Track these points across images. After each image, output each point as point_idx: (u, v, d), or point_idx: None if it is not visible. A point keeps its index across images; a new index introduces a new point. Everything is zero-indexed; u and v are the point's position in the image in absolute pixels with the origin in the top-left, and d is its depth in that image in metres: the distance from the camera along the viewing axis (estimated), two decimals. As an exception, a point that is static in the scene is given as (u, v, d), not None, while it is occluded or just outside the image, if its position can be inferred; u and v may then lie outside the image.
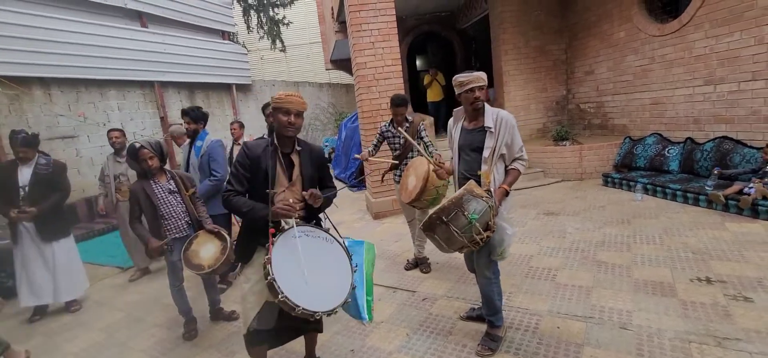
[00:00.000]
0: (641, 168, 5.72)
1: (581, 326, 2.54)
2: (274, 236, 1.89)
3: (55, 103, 7.37)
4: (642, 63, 6.12)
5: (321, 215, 2.32)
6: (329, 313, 1.82)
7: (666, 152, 5.47)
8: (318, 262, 1.94)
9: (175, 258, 2.99)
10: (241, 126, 4.94)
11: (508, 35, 7.61)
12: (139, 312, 3.74)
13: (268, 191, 2.00)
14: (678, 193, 4.68)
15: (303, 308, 1.73)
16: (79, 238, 6.65)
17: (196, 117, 3.79)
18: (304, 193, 2.08)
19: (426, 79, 9.70)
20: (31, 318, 3.80)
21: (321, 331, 2.41)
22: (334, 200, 2.31)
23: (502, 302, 2.48)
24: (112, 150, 4.63)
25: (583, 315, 2.65)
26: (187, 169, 3.81)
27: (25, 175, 3.63)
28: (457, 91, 2.36)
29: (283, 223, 2.00)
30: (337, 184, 9.84)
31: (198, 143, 3.80)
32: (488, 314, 2.47)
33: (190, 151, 3.87)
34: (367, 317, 2.08)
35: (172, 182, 3.01)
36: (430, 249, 4.05)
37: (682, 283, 2.88)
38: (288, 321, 2.13)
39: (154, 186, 2.94)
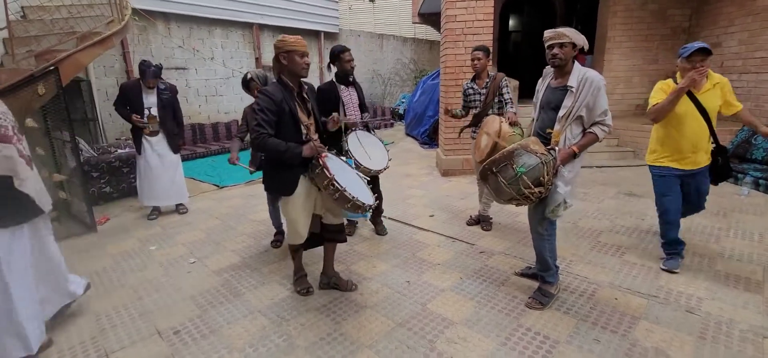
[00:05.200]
0: (757, 161, 4.97)
1: (642, 302, 2.46)
2: (312, 162, 2.35)
3: (173, 37, 8.41)
4: (785, 38, 5.15)
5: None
6: (373, 206, 2.37)
7: (794, 146, 4.68)
8: (349, 174, 2.55)
9: None
10: None
11: (622, -5, 6.81)
12: (231, 222, 4.37)
13: (307, 123, 2.44)
14: (798, 193, 4.05)
15: (368, 204, 2.28)
16: (184, 158, 7.76)
17: None
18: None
19: None
20: (150, 216, 4.58)
21: (345, 241, 2.80)
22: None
23: (554, 261, 2.49)
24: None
25: (646, 293, 2.56)
26: None
27: (150, 99, 4.24)
28: None
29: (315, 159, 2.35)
30: (408, 140, 9.94)
31: None
32: (540, 270, 2.52)
33: None
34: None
35: None
36: (495, 210, 4.09)
37: (774, 283, 2.60)
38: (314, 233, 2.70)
39: None
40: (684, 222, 3.65)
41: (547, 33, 2.29)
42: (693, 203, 2.91)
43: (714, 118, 2.64)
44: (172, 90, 4.47)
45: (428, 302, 2.59)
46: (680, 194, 2.79)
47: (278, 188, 2.48)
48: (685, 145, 2.66)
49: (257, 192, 5.50)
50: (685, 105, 2.60)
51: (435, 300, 2.61)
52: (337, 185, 2.20)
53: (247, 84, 3.42)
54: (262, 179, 2.82)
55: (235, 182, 6.08)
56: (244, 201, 5.14)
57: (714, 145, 2.74)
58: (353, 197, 2.21)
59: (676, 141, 2.69)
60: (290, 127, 2.33)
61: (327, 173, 2.22)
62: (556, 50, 2.24)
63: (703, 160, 2.73)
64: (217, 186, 5.97)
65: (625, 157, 6.26)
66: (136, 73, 7.52)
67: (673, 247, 2.88)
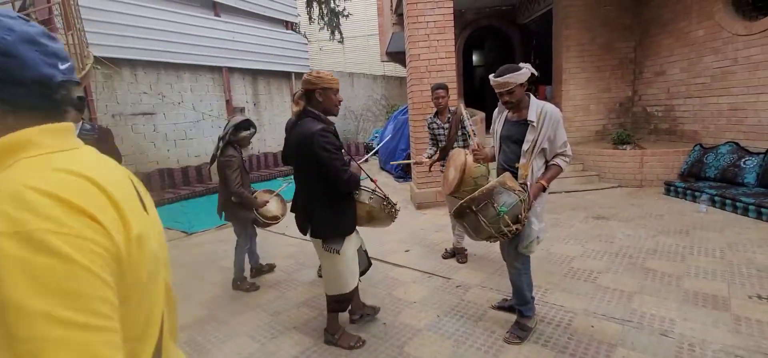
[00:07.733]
0: (710, 179, 5.26)
1: (617, 328, 2.47)
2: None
3: (139, 83, 8.27)
4: (722, 65, 5.59)
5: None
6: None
7: (742, 163, 4.97)
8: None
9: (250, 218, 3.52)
10: None
11: (572, 31, 7.27)
12: (200, 270, 4.17)
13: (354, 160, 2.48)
14: (751, 207, 4.27)
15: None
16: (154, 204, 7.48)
17: None
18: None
19: None
20: None
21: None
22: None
23: (532, 293, 2.48)
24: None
25: (621, 318, 2.57)
26: None
27: None
28: None
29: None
30: (383, 175, 9.96)
31: None
32: (518, 304, 2.49)
33: None
34: None
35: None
36: (469, 241, 4.08)
37: (738, 299, 2.68)
38: None
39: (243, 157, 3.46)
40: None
41: (493, 82, 2.29)
42: None
43: None
44: (102, 132, 3.84)
45: (405, 345, 2.50)
46: None
47: (347, 227, 2.31)
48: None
49: (229, 237, 5.30)
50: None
51: (412, 342, 2.53)
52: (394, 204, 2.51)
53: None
54: (310, 233, 2.31)
55: (205, 227, 5.86)
56: (215, 247, 4.94)
57: None
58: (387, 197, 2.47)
59: None
60: None
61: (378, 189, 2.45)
62: (506, 97, 2.28)
63: None
64: (186, 233, 5.73)
65: (591, 181, 6.48)
66: (100, 121, 7.32)
67: None
